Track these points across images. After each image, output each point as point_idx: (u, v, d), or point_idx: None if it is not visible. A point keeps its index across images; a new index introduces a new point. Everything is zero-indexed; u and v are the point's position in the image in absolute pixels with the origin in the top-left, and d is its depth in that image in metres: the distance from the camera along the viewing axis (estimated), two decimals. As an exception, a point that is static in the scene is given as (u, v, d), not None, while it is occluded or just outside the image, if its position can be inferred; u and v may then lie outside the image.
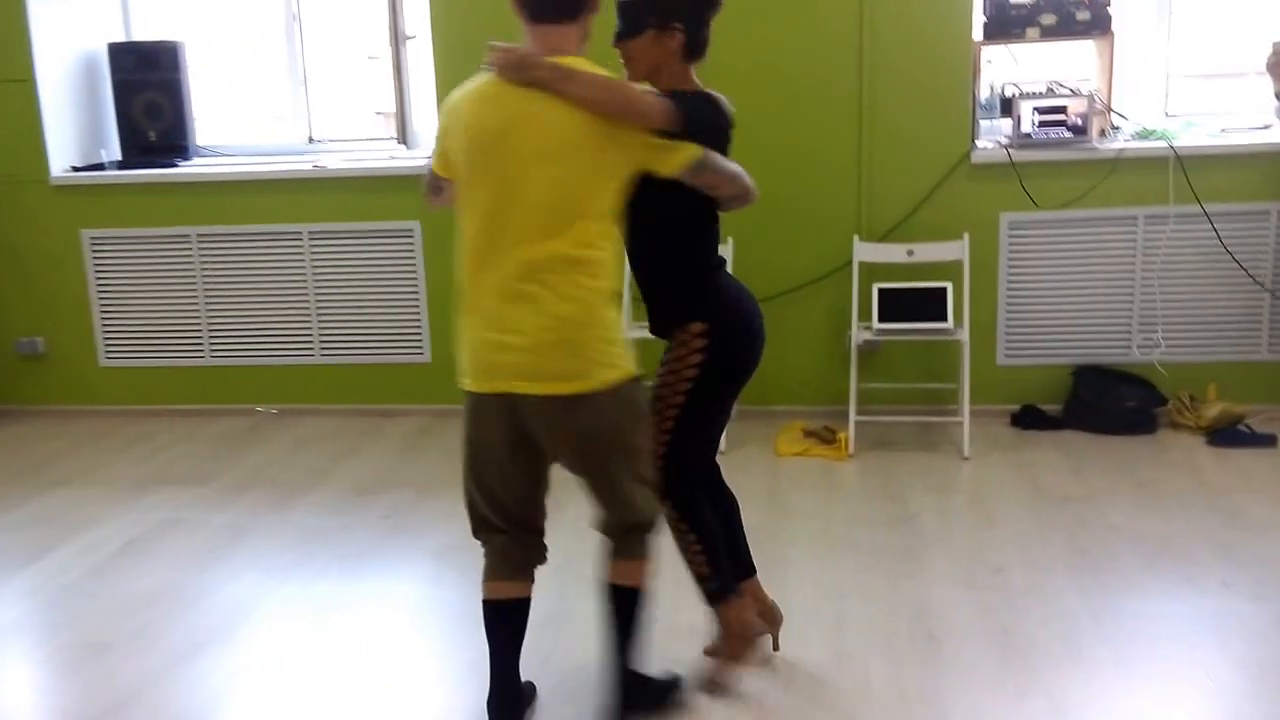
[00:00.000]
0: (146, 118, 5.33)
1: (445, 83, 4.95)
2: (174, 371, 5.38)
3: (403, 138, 5.28)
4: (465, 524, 3.96)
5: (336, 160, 5.24)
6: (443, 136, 2.51)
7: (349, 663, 3.06)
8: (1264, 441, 4.39)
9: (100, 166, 5.36)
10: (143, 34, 5.52)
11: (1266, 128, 4.66)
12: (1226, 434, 4.44)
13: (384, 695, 2.90)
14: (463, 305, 2.45)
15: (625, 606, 2.61)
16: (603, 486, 2.55)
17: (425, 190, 2.61)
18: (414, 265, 5.13)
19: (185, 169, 5.31)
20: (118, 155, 5.41)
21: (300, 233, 5.18)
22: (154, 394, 5.40)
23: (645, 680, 2.72)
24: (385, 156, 5.25)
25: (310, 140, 5.53)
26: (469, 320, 2.44)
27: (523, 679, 2.70)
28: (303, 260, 5.20)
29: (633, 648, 2.63)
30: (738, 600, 2.81)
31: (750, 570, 2.94)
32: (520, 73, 2.37)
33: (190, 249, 5.26)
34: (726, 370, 2.65)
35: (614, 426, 2.46)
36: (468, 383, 2.46)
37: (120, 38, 5.48)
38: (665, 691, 2.76)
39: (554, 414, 2.40)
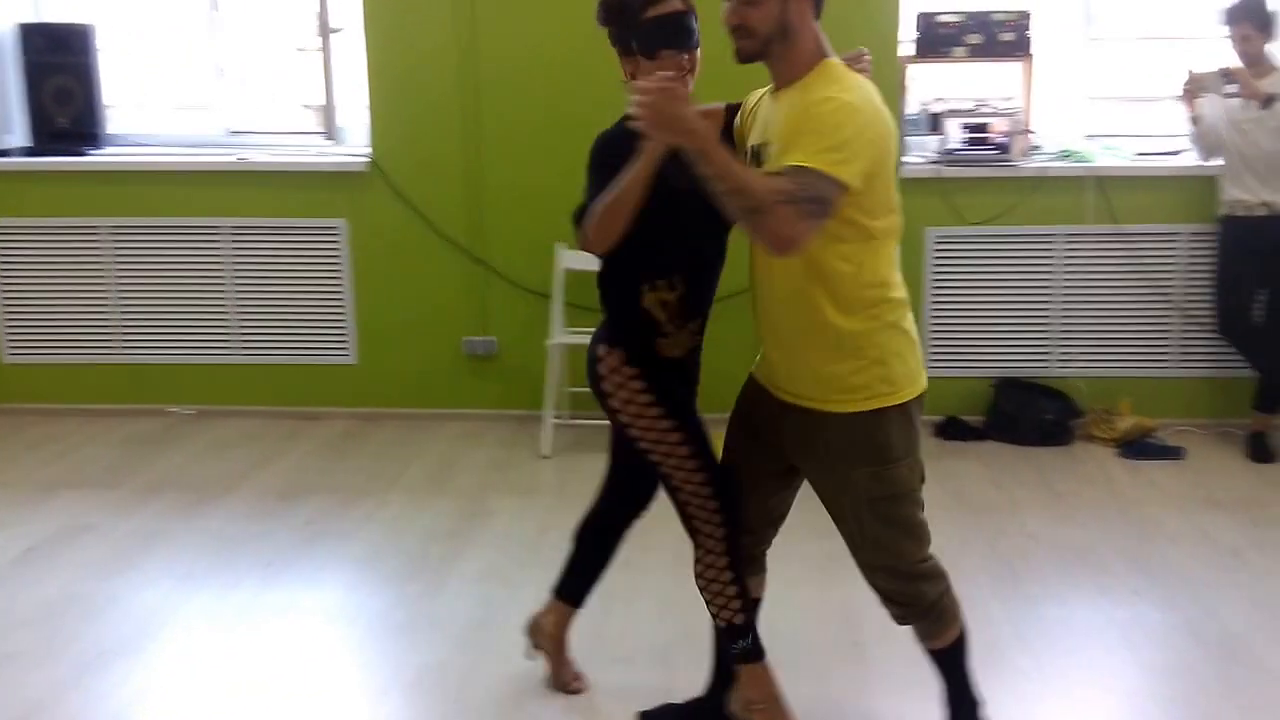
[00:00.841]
0: (56, 103, 5.15)
1: (376, 77, 4.88)
2: (83, 369, 5.21)
3: (330, 132, 5.19)
4: (390, 530, 3.93)
5: (260, 154, 5.13)
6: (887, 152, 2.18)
7: (267, 673, 2.99)
8: (1173, 454, 4.54)
9: (6, 153, 5.16)
10: (54, 15, 5.32)
11: (1179, 153, 4.82)
12: (1138, 446, 4.58)
13: (304, 706, 2.83)
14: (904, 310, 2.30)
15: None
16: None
17: (806, 214, 2.02)
18: (340, 264, 5.04)
19: (97, 157, 5.14)
20: (25, 142, 5.23)
21: (220, 227, 5.05)
22: (62, 392, 5.21)
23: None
24: (312, 151, 5.15)
25: (231, 132, 5.40)
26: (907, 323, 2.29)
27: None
28: (222, 256, 5.08)
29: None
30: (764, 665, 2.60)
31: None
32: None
33: (101, 242, 5.09)
34: None
35: None
36: (917, 389, 2.30)
37: (30, 18, 5.28)
38: None
39: None
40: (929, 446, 4.65)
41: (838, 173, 2.03)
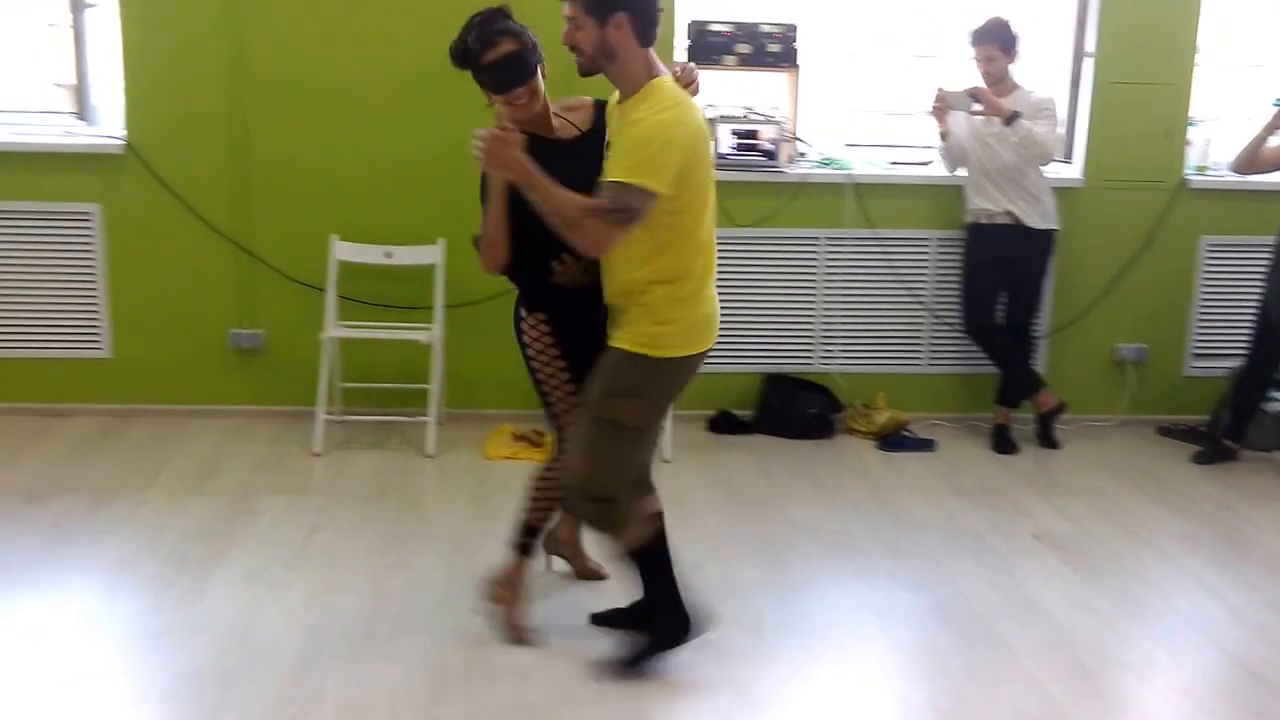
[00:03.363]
0: None
1: (132, 54, 4.61)
2: None
3: (82, 112, 4.87)
4: (146, 532, 3.73)
5: (4, 133, 4.75)
6: (695, 159, 2.64)
7: (10, 687, 2.77)
8: (925, 446, 4.83)
9: None
10: None
11: (929, 163, 5.13)
12: (893, 439, 4.84)
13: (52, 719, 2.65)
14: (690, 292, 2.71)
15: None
16: None
17: (616, 222, 2.57)
18: (92, 252, 4.73)
19: None
20: None
21: (-44, 210, 4.67)
22: None
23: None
24: (61, 132, 4.82)
25: (-29, 109, 5.00)
26: (705, 297, 2.76)
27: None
28: (-42, 241, 4.69)
29: None
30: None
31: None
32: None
33: None
34: None
35: None
36: (695, 348, 2.76)
37: None
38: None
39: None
40: (701, 439, 4.83)
41: (645, 183, 2.53)
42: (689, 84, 2.80)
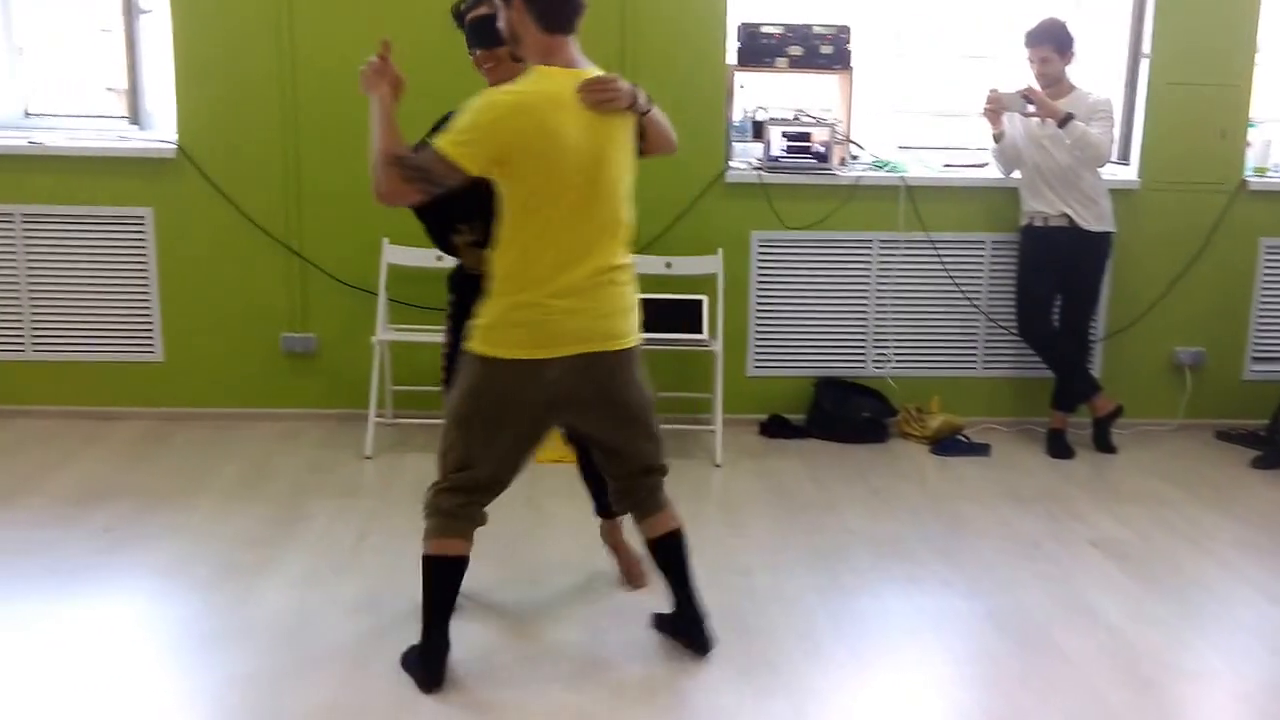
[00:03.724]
0: None
1: (183, 59, 4.65)
2: None
3: (135, 117, 4.92)
4: (197, 536, 3.75)
5: (59, 137, 4.82)
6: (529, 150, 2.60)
7: (59, 690, 2.78)
8: (980, 451, 4.76)
9: None
10: None
11: (984, 165, 5.06)
12: (947, 444, 4.78)
13: None
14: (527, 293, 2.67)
15: (682, 547, 2.99)
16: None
17: (408, 178, 2.61)
18: (145, 255, 4.78)
19: None
20: None
21: (12, 215, 4.72)
22: None
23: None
24: (115, 136, 4.87)
25: (27, 114, 5.06)
26: (551, 306, 2.67)
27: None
28: (14, 245, 4.75)
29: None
30: None
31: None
32: (634, 106, 2.72)
33: (-123, 228, 4.70)
34: None
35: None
36: (520, 352, 2.67)
37: None
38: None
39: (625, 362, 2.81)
40: (752, 443, 4.80)
41: (450, 152, 2.55)
42: (598, 96, 2.63)
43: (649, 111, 2.79)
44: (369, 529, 3.77)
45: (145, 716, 2.69)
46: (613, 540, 3.44)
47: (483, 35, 2.84)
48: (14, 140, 4.75)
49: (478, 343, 2.71)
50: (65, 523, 3.77)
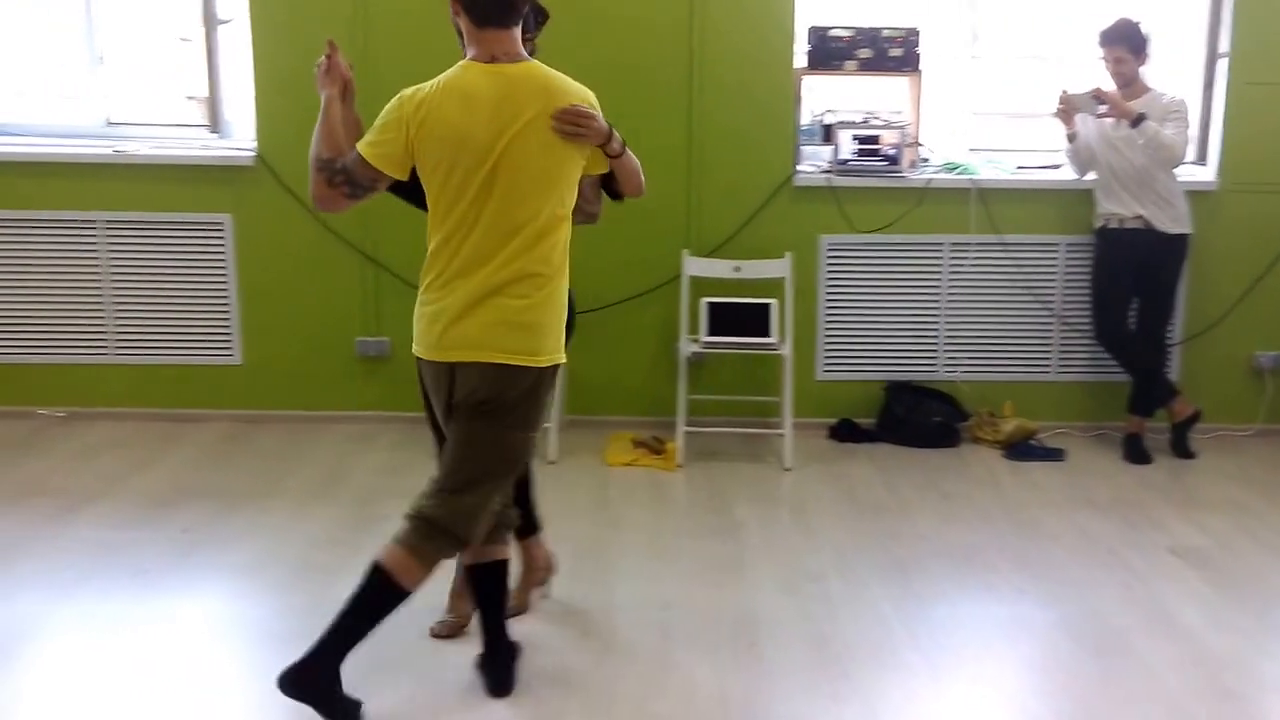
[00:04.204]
0: (-84, 88, 4.87)
1: (262, 69, 4.75)
2: (-57, 367, 4.94)
3: (215, 125, 5.03)
4: (273, 538, 3.79)
5: (140, 146, 4.93)
6: (426, 137, 2.56)
7: (140, 687, 2.84)
8: (1054, 456, 4.70)
9: None
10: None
11: (1058, 167, 5.00)
12: (1021, 449, 4.72)
13: None
14: (426, 286, 2.70)
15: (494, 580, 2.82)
16: None
17: (332, 183, 2.61)
18: (224, 261, 4.88)
19: (-37, 147, 4.88)
20: (-116, 129, 4.94)
21: (95, 221, 4.84)
22: (-79, 392, 4.94)
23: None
24: (195, 144, 4.98)
25: (109, 123, 5.18)
26: (438, 299, 2.67)
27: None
28: (97, 251, 4.87)
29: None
30: None
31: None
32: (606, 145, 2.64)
33: (-32, 235, 4.84)
34: None
35: None
36: (417, 347, 2.73)
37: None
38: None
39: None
40: (822, 447, 4.79)
41: (365, 154, 2.57)
42: (567, 128, 2.55)
43: (620, 155, 2.69)
44: (442, 531, 3.82)
45: (223, 717, 2.74)
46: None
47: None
48: (97, 149, 4.88)
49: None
50: (147, 524, 3.86)
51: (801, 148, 4.93)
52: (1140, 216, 4.58)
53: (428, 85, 2.56)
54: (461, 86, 2.53)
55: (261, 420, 4.94)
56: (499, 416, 2.62)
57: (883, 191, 4.85)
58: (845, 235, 4.88)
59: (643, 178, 2.83)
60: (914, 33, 4.82)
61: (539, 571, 3.28)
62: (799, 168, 4.88)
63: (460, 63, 2.59)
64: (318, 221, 4.82)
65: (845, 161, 4.82)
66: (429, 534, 2.62)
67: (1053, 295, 4.97)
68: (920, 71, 4.87)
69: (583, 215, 2.84)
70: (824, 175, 4.85)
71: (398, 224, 4.85)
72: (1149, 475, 4.56)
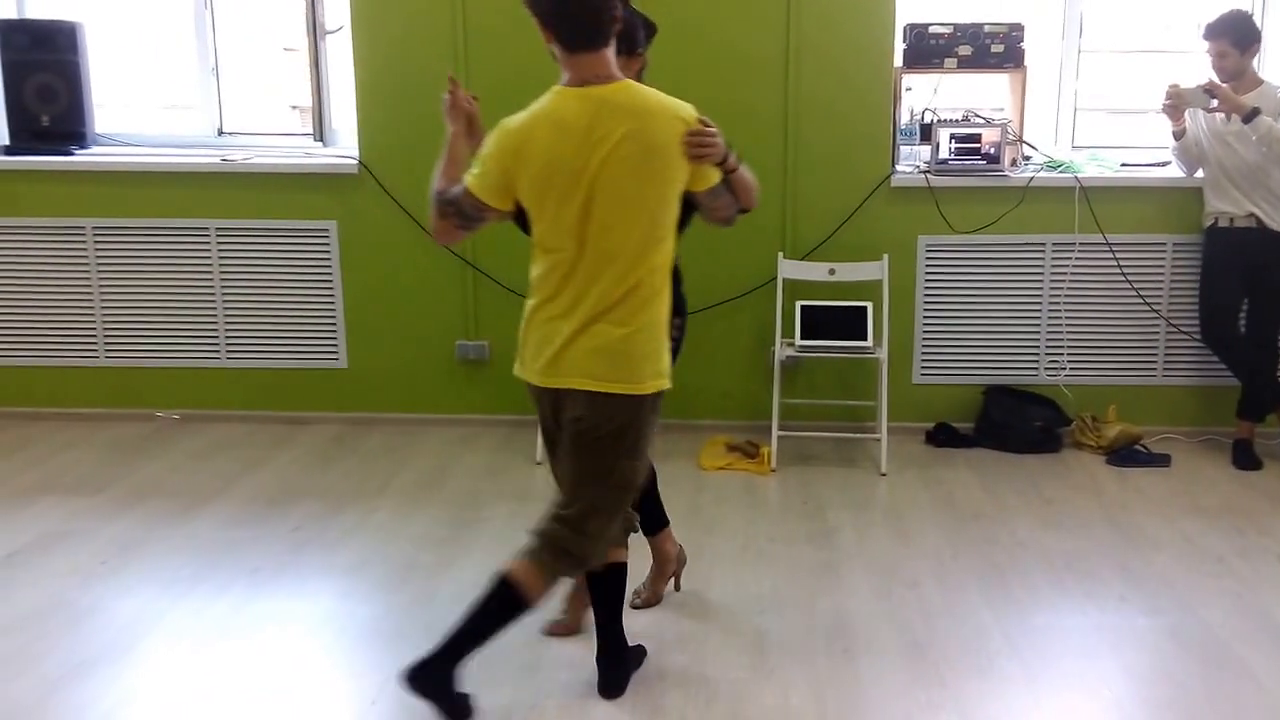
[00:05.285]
0: (39, 101, 5.08)
1: (365, 78, 4.87)
2: (64, 372, 5.16)
3: (320, 134, 5.17)
4: (379, 537, 3.89)
5: (249, 154, 5.10)
6: (522, 166, 2.60)
7: (252, 683, 2.94)
8: (1159, 461, 4.58)
9: (-18, 152, 5.10)
10: (38, 11, 5.28)
11: (1165, 164, 4.87)
12: (1125, 454, 4.62)
13: (290, 717, 2.80)
14: (531, 310, 2.72)
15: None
16: None
17: (444, 214, 2.67)
18: (330, 267, 5.03)
19: (81, 157, 5.09)
20: (4, 140, 5.17)
21: (207, 229, 5.02)
22: (40, 395, 5.17)
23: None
24: (301, 153, 5.13)
25: (220, 133, 5.37)
26: (540, 322, 2.70)
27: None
28: (209, 258, 5.05)
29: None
30: None
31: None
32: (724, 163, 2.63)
33: (85, 242, 5.05)
34: None
35: None
36: (523, 371, 2.74)
37: (12, 14, 5.25)
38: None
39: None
40: (918, 452, 4.74)
41: (470, 185, 2.60)
42: (696, 150, 2.55)
43: (736, 170, 2.67)
44: (540, 532, 3.88)
45: (330, 715, 2.83)
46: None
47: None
48: (209, 158, 5.05)
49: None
50: (259, 523, 3.99)
51: (900, 147, 4.88)
52: (1251, 215, 4.44)
53: (524, 114, 2.58)
54: (553, 113, 2.55)
55: (367, 423, 5.08)
56: (607, 444, 2.63)
57: (983, 191, 4.77)
58: (944, 236, 4.82)
59: (756, 190, 2.80)
60: (1017, 28, 4.73)
61: (670, 564, 3.36)
62: (897, 168, 4.84)
63: (554, 88, 2.59)
64: (419, 227, 4.92)
65: (944, 161, 4.76)
66: (555, 553, 2.67)
67: (1159, 296, 4.85)
68: (1024, 68, 4.78)
69: (716, 218, 2.76)
70: (922, 175, 4.79)
71: (496, 229, 4.87)
72: (1259, 481, 4.42)
